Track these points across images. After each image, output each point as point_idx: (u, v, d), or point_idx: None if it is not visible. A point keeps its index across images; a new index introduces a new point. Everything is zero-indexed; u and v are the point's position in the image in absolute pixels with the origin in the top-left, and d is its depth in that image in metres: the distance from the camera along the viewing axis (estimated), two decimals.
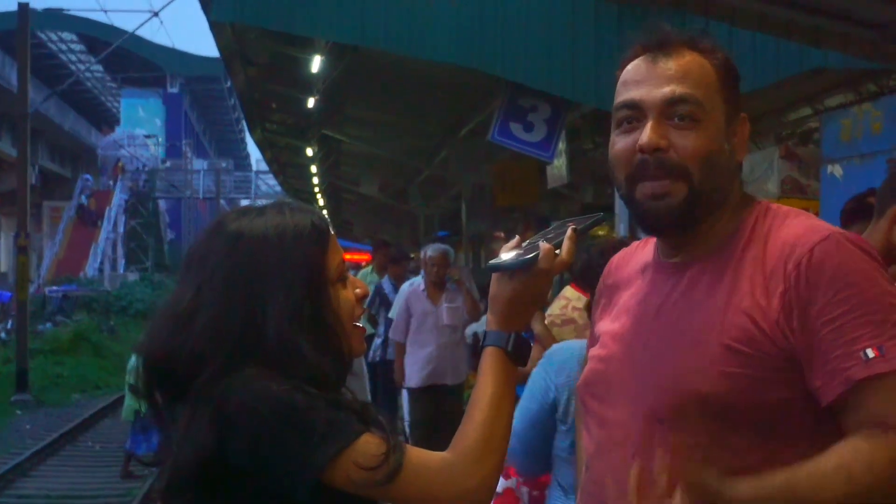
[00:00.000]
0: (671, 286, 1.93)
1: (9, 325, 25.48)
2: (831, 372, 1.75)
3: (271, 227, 1.85)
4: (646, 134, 1.86)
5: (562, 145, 10.35)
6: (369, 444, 1.73)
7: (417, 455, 1.79)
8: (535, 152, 9.64)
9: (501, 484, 3.91)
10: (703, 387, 1.79)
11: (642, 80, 1.89)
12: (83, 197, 46.62)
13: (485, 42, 8.90)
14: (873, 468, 1.70)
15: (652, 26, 1.94)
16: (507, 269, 1.89)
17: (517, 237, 2.00)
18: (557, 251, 1.89)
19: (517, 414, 2.83)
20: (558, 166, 11.74)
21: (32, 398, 17.59)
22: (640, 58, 1.92)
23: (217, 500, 1.79)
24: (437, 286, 9.09)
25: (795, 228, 1.85)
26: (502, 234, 17.50)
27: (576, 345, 3.20)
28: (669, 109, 1.86)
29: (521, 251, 1.91)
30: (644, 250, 2.09)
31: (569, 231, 1.89)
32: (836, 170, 7.21)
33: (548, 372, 3.18)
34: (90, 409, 17.01)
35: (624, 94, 1.92)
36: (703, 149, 1.85)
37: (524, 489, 3.87)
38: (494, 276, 1.92)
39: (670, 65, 1.88)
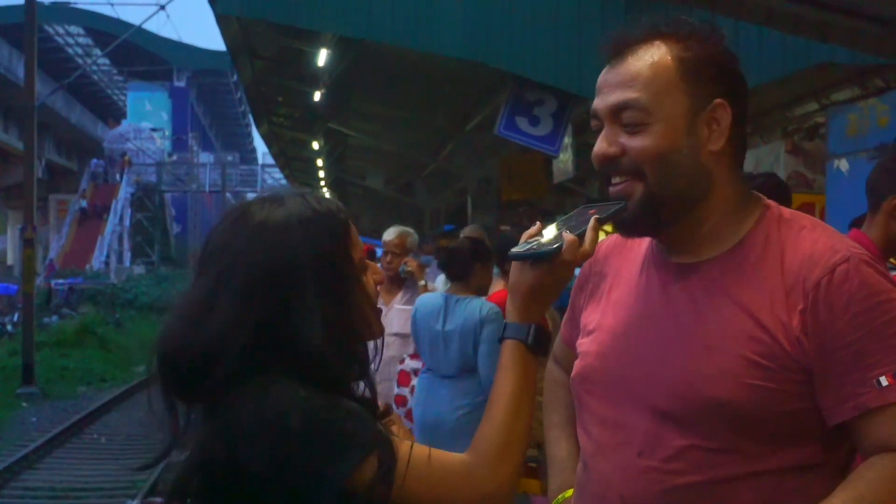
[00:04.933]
0: (679, 287, 1.90)
1: (15, 318, 25.58)
2: (844, 396, 1.74)
3: (294, 220, 1.76)
4: (597, 144, 1.90)
5: (567, 139, 10.36)
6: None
7: (438, 457, 1.75)
8: (541, 146, 9.65)
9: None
10: (721, 395, 1.77)
11: (600, 88, 1.92)
12: (83, 201, 46.57)
13: (491, 36, 8.92)
14: (881, 496, 1.71)
15: (616, 29, 1.94)
16: (530, 259, 1.84)
17: (538, 223, 1.93)
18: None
19: None
20: (564, 160, 11.74)
21: (38, 391, 17.60)
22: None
23: None
24: (392, 280, 6.78)
25: (815, 244, 1.82)
26: (508, 229, 17.51)
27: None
28: (618, 116, 1.87)
29: (543, 239, 1.86)
30: (639, 244, 2.04)
31: (591, 221, 1.85)
32: (842, 164, 7.19)
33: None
34: (96, 402, 17.02)
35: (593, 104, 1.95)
36: (653, 149, 1.83)
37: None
38: (515, 264, 1.86)
39: (621, 70, 1.88)
